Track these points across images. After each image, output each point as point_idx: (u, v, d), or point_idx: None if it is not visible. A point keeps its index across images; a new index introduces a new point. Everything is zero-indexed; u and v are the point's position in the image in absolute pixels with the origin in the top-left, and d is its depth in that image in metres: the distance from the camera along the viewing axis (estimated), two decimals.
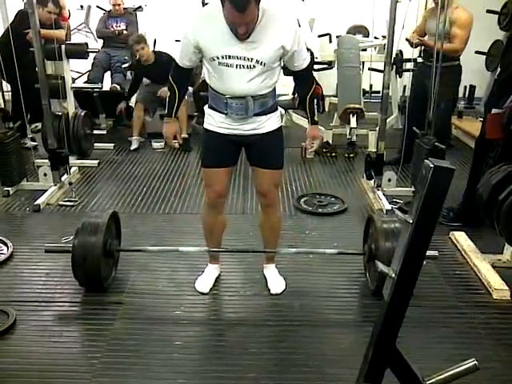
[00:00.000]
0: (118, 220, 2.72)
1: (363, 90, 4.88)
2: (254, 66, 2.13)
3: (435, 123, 3.81)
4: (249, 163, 2.46)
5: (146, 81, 5.13)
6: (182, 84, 2.40)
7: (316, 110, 2.42)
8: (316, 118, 2.43)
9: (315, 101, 2.40)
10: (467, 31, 4.01)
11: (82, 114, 4.53)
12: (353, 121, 4.76)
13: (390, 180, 3.82)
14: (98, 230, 2.46)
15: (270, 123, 2.32)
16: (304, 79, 2.40)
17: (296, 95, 4.81)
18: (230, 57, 2.11)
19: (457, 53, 4.04)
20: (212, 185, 2.44)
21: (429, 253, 2.37)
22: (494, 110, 2.86)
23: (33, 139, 4.67)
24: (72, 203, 3.64)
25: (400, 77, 5.42)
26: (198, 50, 2.18)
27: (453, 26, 3.95)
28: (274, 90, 2.34)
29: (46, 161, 3.89)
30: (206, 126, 2.38)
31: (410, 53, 5.10)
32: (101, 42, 5.92)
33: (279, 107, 2.43)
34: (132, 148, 4.97)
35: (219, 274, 2.70)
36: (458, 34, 4.00)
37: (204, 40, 2.13)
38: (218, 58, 2.13)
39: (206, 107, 2.38)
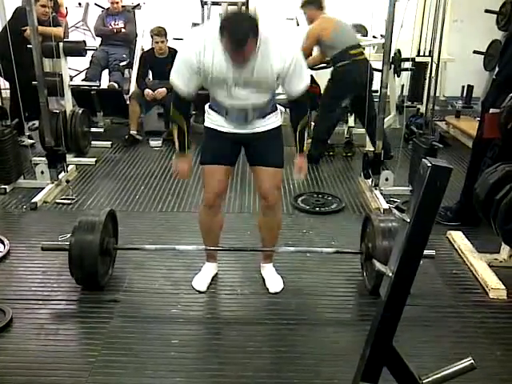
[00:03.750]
0: (115, 218, 2.72)
1: None
2: (253, 87, 2.18)
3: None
4: (248, 164, 2.46)
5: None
6: (188, 114, 2.38)
7: (305, 141, 2.44)
8: (305, 148, 2.44)
9: (306, 130, 2.41)
10: (306, 44, 4.30)
11: (80, 111, 4.53)
12: (350, 120, 4.76)
13: (387, 179, 3.82)
14: (95, 228, 2.45)
15: (269, 122, 2.36)
16: (299, 104, 2.36)
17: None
18: (230, 79, 2.14)
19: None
20: (210, 183, 2.43)
21: (426, 252, 2.38)
22: (491, 110, 2.86)
23: (30, 137, 4.66)
24: (69, 201, 3.63)
25: (398, 76, 5.42)
26: (200, 72, 2.16)
27: None
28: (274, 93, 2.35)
29: (44, 158, 3.88)
30: (206, 123, 2.40)
31: (409, 52, 5.12)
32: (99, 39, 5.90)
33: (279, 106, 2.43)
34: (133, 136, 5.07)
35: (216, 273, 2.70)
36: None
37: (205, 62, 2.12)
38: (218, 79, 2.15)
39: (207, 106, 2.40)
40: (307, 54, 4.37)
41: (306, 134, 2.40)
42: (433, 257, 2.47)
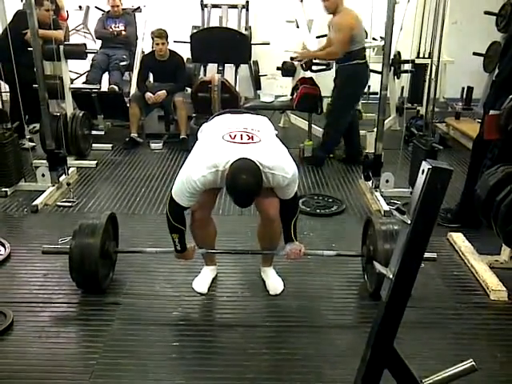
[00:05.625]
0: (115, 221, 2.72)
1: None
2: None
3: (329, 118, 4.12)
4: None
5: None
6: (185, 219, 2.39)
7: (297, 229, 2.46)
8: (296, 236, 2.45)
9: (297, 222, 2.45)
10: (343, 34, 4.16)
11: (81, 114, 4.53)
12: None
13: (387, 181, 3.82)
14: (96, 231, 2.45)
15: None
16: (288, 206, 2.40)
17: (294, 96, 4.82)
18: None
19: (336, 55, 4.25)
20: (199, 208, 2.40)
21: (428, 255, 2.38)
22: (491, 112, 2.87)
23: (31, 140, 4.66)
24: (70, 204, 3.63)
25: (398, 78, 5.43)
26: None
27: (332, 30, 4.20)
28: None
29: (44, 161, 3.88)
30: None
31: (408, 54, 5.12)
32: (99, 42, 5.92)
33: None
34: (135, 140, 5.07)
35: (216, 275, 2.70)
36: (334, 38, 4.19)
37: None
38: None
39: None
40: (346, 45, 4.15)
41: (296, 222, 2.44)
42: (435, 259, 2.47)
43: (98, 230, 2.45)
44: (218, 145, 2.25)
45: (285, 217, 2.42)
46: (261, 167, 2.14)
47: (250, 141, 2.24)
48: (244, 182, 2.06)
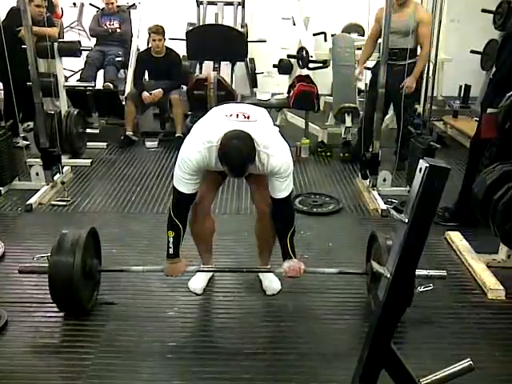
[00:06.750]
0: (97, 236, 2.49)
1: (358, 89, 4.87)
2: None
3: (405, 116, 3.91)
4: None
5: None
6: (187, 219, 2.34)
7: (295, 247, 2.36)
8: (295, 252, 2.36)
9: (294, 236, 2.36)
10: (430, 29, 4.12)
11: (75, 112, 4.50)
12: (348, 120, 4.74)
13: (385, 180, 3.81)
14: (76, 251, 2.23)
15: None
16: (281, 213, 2.33)
17: (290, 94, 4.80)
18: None
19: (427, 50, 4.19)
20: (198, 200, 2.36)
21: (437, 272, 2.36)
22: (489, 110, 2.86)
23: (25, 138, 4.62)
24: (64, 203, 3.60)
25: None
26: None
27: (420, 24, 4.02)
28: None
29: (39, 160, 3.85)
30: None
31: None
32: (94, 40, 5.88)
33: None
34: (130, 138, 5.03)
35: (213, 275, 2.68)
36: (426, 33, 4.07)
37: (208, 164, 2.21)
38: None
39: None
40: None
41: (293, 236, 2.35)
42: (444, 277, 2.38)
43: (78, 249, 2.23)
44: (213, 122, 2.25)
45: (280, 229, 2.37)
46: (255, 145, 2.10)
47: (246, 119, 2.22)
48: (235, 146, 2.04)
